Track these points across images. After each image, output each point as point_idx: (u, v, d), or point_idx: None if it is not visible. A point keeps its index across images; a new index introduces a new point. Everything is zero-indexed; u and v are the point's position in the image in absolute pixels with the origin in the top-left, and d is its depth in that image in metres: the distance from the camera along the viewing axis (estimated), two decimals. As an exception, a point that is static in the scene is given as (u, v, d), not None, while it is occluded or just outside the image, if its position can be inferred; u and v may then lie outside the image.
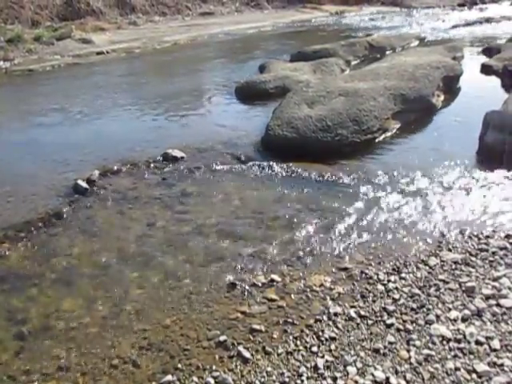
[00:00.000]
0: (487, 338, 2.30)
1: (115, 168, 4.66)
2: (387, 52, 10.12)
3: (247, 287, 2.83)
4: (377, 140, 5.03)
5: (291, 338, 2.42)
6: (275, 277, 2.89)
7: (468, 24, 15.15)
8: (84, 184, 4.30)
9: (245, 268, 3.02)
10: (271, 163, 4.54)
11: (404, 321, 2.46)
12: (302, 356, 2.30)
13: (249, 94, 7.05)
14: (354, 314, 2.52)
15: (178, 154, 4.88)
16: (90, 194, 4.22)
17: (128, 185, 4.37)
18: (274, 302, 2.68)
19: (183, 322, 2.61)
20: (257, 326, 2.50)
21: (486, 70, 8.02)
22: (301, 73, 7.55)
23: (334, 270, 2.94)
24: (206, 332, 2.51)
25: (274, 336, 2.44)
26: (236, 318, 2.59)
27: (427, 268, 2.87)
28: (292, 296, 2.73)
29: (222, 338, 2.44)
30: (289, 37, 14.83)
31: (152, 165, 4.74)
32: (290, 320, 2.53)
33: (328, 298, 2.68)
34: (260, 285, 2.84)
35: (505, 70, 7.39)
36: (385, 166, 4.40)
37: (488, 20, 16.02)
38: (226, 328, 2.53)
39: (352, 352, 2.29)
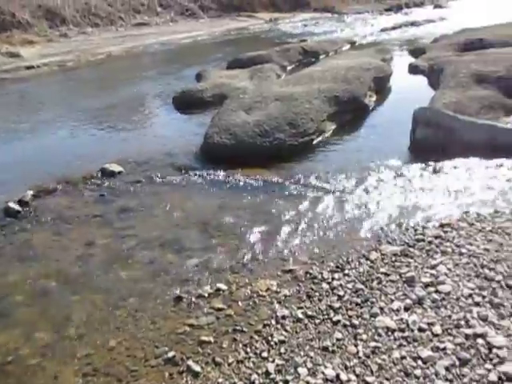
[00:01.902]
0: (429, 324, 2.39)
1: (50, 187, 4.44)
2: (321, 56, 10.41)
3: (193, 299, 2.77)
4: (314, 142, 5.14)
5: (241, 345, 2.39)
6: (221, 285, 2.85)
7: (395, 27, 15.91)
8: (16, 206, 4.06)
9: (190, 280, 2.96)
10: (212, 171, 4.52)
11: (350, 316, 2.50)
12: (253, 363, 2.28)
13: (186, 104, 6.99)
14: (301, 315, 2.53)
15: (116, 168, 4.73)
16: (24, 217, 3.99)
17: (64, 204, 4.17)
18: (221, 312, 2.64)
19: (129, 342, 2.51)
20: (205, 338, 2.45)
21: (413, 69, 8.46)
22: (237, 80, 7.59)
23: (279, 273, 2.94)
24: (154, 350, 2.43)
25: (224, 346, 2.40)
26: (184, 332, 2.53)
27: (369, 262, 2.94)
28: (239, 303, 2.70)
29: (170, 354, 2.37)
30: (225, 45, 14.90)
31: (89, 181, 4.56)
32: (238, 328, 2.51)
33: (275, 301, 2.68)
34: (206, 295, 2.79)
35: (430, 69, 7.82)
36: (323, 166, 4.50)
37: (413, 23, 16.94)
38: (173, 343, 2.46)
39: (302, 353, 2.30)
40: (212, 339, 2.45)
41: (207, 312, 2.66)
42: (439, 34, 11.84)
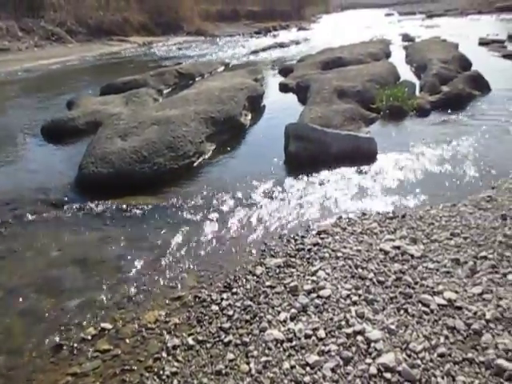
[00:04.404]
0: (314, 329, 2.49)
1: None
2: (196, 78, 10.57)
3: (75, 344, 2.56)
4: (195, 164, 5.15)
5: (131, 386, 2.26)
6: (106, 325, 2.67)
7: (265, 49, 16.85)
8: None
9: (71, 324, 2.73)
10: (90, 203, 4.27)
11: (240, 335, 2.51)
12: (145, 402, 2.17)
13: (57, 133, 6.56)
14: (192, 342, 2.48)
15: (-24, 211, 4.23)
16: None
17: None
18: (107, 353, 2.47)
19: (2, 408, 2.23)
20: (91, 385, 2.28)
21: (283, 88, 9.01)
22: (112, 106, 7.34)
23: (167, 301, 2.86)
24: (32, 410, 2.19)
25: (112, 390, 2.25)
26: (66, 383, 2.32)
27: (255, 278, 3.00)
28: (127, 340, 2.56)
29: (51, 412, 2.15)
30: (97, 70, 14.39)
31: None
32: (127, 367, 2.36)
33: (165, 332, 2.59)
34: (90, 338, 2.59)
35: (298, 86, 8.38)
36: (205, 187, 4.51)
37: (281, 44, 18.12)
38: (55, 398, 2.24)
39: (195, 382, 2.24)
40: (98, 385, 2.28)
41: (92, 356, 2.47)
42: (304, 54, 12.80)
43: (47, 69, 15.10)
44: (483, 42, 14.18)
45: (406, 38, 16.92)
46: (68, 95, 9.29)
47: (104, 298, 2.95)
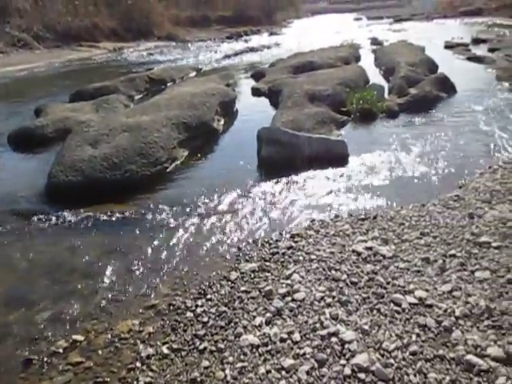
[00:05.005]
0: (289, 333, 2.50)
1: None
2: (168, 84, 10.50)
3: (46, 358, 2.49)
4: (168, 170, 5.11)
5: (104, 399, 2.22)
6: (78, 337, 2.62)
7: (236, 54, 16.88)
8: None
9: (41, 337, 2.66)
10: (60, 213, 4.18)
11: (216, 341, 2.49)
12: (119, 414, 2.13)
13: (25, 141, 6.40)
14: (166, 351, 2.45)
15: None
16: None
17: None
18: (79, 366, 2.42)
19: (-31, 427, 2.15)
20: (62, 400, 2.22)
21: (255, 92, 9.04)
22: (82, 113, 7.21)
23: (141, 310, 2.82)
24: (0, 428, 2.12)
25: (85, 403, 2.20)
26: (36, 399, 2.26)
27: (229, 283, 2.99)
28: (99, 352, 2.51)
29: (21, 429, 2.09)
30: (67, 77, 14.12)
31: None
32: (100, 380, 2.32)
33: (139, 341, 2.55)
34: (61, 351, 2.53)
35: (270, 91, 8.43)
36: (178, 193, 4.48)
37: (252, 49, 18.20)
38: (24, 415, 2.17)
39: (170, 391, 2.22)
40: (70, 400, 2.23)
41: (63, 369, 2.41)
42: (276, 58, 12.89)
43: (14, 76, 14.73)
44: (449, 46, 14.58)
45: (375, 41, 17.23)
46: (36, 102, 9.07)
47: (75, 309, 2.89)
